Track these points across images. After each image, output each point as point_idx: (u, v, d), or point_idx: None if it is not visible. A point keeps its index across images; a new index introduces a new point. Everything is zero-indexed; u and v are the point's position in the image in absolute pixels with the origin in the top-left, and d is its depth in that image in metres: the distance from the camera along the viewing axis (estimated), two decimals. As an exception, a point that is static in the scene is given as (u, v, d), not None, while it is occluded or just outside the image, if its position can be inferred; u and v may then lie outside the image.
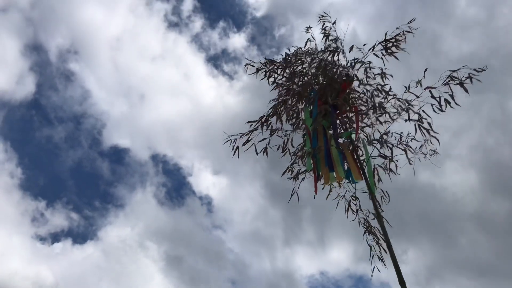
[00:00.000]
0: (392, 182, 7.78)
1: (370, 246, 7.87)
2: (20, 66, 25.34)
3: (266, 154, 8.06)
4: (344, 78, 8.10)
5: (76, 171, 27.05)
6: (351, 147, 7.59)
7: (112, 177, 26.66)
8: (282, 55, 8.72)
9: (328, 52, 7.91)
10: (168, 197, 26.73)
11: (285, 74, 8.59)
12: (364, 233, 7.93)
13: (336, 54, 7.88)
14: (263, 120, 8.22)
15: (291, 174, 7.87)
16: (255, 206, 25.64)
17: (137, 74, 29.26)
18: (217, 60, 30.38)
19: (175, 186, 27.60)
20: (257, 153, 8.00)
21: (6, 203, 23.50)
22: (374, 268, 7.69)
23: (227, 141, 8.01)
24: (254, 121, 8.06)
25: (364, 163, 7.57)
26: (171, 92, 29.91)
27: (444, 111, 6.71)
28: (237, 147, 8.02)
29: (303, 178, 7.74)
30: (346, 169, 7.39)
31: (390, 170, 7.69)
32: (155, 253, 24.02)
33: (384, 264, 7.74)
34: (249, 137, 8.04)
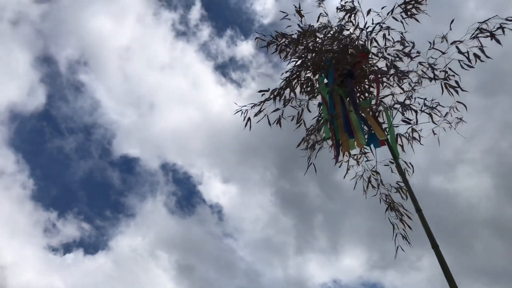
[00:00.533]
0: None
1: (393, 224, 7.33)
2: (31, 78, 25.50)
3: (280, 125, 7.55)
4: (361, 48, 7.67)
5: (87, 181, 26.92)
6: (371, 114, 7.07)
7: (123, 187, 26.41)
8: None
9: (345, 12, 7.45)
10: (178, 206, 26.37)
11: (297, 49, 8.16)
12: (386, 210, 7.39)
13: (353, 14, 7.42)
14: (275, 93, 7.75)
15: (307, 145, 7.33)
16: (266, 213, 25.15)
17: (146, 84, 29.26)
18: (225, 68, 30.25)
19: (185, 195, 27.27)
20: (270, 124, 7.50)
21: (18, 214, 23.63)
22: (398, 247, 7.17)
23: (238, 111, 7.54)
24: (265, 91, 7.58)
25: (386, 131, 7.04)
26: (180, 100, 29.80)
27: (473, 67, 6.20)
28: (249, 119, 7.54)
29: (320, 148, 7.19)
30: (366, 136, 6.86)
31: (414, 138, 7.15)
32: (166, 263, 23.61)
33: (409, 242, 7.16)
34: (261, 108, 7.56)
